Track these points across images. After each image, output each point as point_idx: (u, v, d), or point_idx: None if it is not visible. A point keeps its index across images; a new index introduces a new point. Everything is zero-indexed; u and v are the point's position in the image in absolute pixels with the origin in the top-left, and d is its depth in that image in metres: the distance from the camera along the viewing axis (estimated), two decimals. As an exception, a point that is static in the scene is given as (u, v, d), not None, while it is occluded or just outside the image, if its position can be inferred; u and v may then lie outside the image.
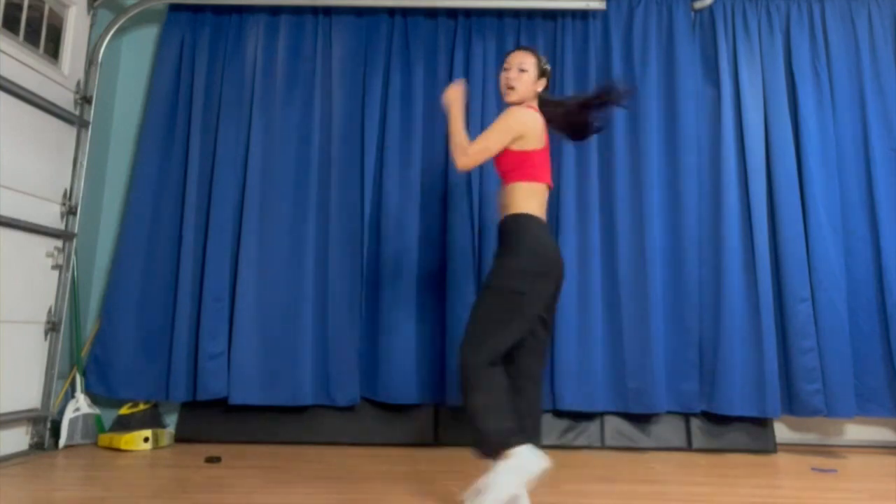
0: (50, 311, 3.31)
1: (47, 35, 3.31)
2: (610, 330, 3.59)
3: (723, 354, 3.52)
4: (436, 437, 3.53)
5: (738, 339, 3.53)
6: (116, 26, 3.70)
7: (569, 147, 3.66)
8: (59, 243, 3.37)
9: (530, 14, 3.88)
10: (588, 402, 3.48)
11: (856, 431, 3.74)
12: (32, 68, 3.15)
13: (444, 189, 3.70)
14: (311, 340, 3.54)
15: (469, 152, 2.32)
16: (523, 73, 2.46)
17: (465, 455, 3.22)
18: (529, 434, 2.26)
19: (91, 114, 3.55)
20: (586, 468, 3.04)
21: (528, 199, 2.35)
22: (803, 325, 3.52)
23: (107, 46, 3.67)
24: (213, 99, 3.76)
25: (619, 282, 3.60)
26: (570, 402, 3.47)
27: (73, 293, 3.43)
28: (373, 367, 3.56)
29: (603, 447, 3.54)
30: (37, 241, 3.21)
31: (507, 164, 2.38)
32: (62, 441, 3.25)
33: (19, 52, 3.07)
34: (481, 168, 3.67)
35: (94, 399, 3.47)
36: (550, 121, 2.51)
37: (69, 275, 3.39)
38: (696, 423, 3.59)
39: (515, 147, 2.36)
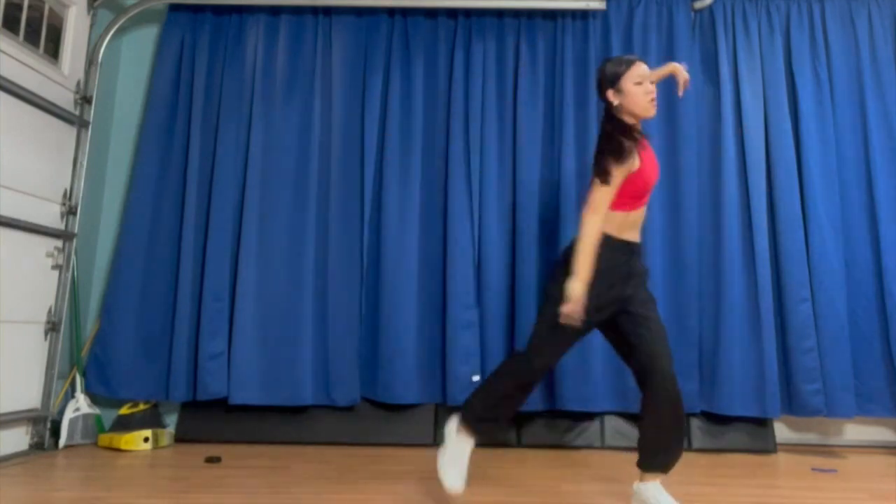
0: (50, 311, 3.31)
1: (47, 35, 3.31)
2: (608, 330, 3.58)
3: (723, 354, 3.52)
4: (436, 438, 3.53)
5: (738, 339, 3.53)
6: (116, 26, 3.70)
7: (569, 147, 3.66)
8: (59, 243, 3.37)
9: (530, 14, 3.88)
10: (588, 402, 3.47)
11: (856, 431, 3.74)
12: (32, 68, 3.16)
13: (444, 189, 3.70)
14: (311, 340, 3.54)
15: None
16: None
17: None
18: None
19: (91, 114, 3.55)
20: (586, 468, 3.04)
21: None
22: (803, 325, 3.52)
23: (107, 46, 3.67)
24: (213, 99, 3.76)
25: (619, 282, 3.59)
26: (569, 403, 3.47)
27: (73, 293, 3.43)
28: (373, 367, 3.56)
29: (603, 447, 3.54)
30: (37, 241, 3.21)
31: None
32: (62, 441, 3.25)
33: (19, 52, 3.07)
34: (481, 168, 3.68)
35: (94, 399, 3.47)
36: None
37: (69, 275, 3.39)
38: (696, 423, 3.59)
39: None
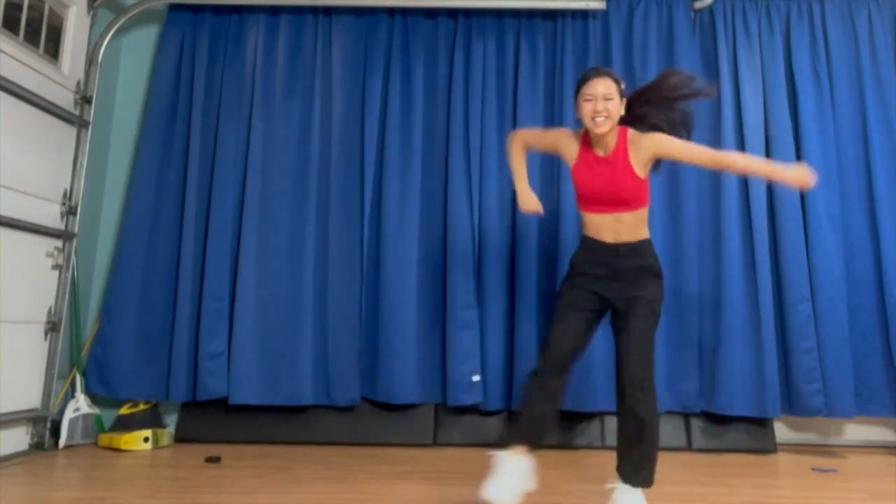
0: (50, 311, 3.31)
1: (47, 35, 3.31)
2: (610, 330, 3.58)
3: (723, 354, 3.52)
4: (435, 437, 3.53)
5: (738, 339, 3.52)
6: (116, 26, 3.70)
7: (569, 147, 3.66)
8: (59, 243, 3.37)
9: (530, 14, 3.88)
10: (588, 402, 3.47)
11: (856, 431, 3.74)
12: (32, 68, 3.15)
13: (444, 189, 3.70)
14: (311, 340, 3.54)
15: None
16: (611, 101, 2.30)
17: (464, 455, 3.23)
18: None
19: (91, 114, 3.55)
20: (586, 468, 3.04)
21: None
22: (803, 325, 3.52)
23: (107, 46, 3.66)
24: (213, 99, 3.76)
25: (619, 282, 3.59)
26: (569, 403, 3.46)
27: (73, 293, 3.43)
28: (373, 367, 3.56)
29: (603, 447, 3.53)
30: (37, 241, 3.21)
31: (645, 189, 2.40)
32: (62, 441, 3.25)
33: (19, 52, 3.07)
34: (481, 168, 3.68)
35: (94, 399, 3.47)
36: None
37: (69, 275, 3.39)
38: (696, 422, 3.59)
39: (645, 173, 2.36)
